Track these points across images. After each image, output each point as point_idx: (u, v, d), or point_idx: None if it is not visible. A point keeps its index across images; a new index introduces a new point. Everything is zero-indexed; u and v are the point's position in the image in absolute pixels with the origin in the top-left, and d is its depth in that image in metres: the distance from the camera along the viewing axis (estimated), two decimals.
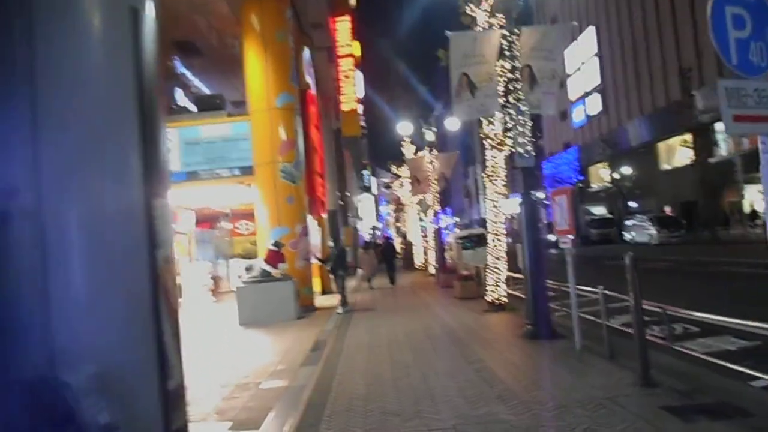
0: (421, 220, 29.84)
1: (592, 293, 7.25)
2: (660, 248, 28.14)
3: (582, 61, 55.15)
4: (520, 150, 7.98)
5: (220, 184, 12.92)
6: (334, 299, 14.77)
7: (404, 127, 19.74)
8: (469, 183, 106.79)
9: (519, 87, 8.34)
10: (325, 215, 18.12)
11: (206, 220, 21.82)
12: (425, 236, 29.96)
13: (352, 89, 26.37)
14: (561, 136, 63.79)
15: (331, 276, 13.99)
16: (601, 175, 53.27)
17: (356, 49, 42.71)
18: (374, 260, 20.66)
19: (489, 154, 10.97)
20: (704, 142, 31.72)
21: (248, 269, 12.38)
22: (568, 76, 59.03)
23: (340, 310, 12.16)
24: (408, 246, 33.23)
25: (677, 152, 39.91)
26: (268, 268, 11.52)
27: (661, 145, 41.01)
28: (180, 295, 16.82)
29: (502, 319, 9.79)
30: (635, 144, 42.16)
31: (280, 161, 12.60)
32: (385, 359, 7.00)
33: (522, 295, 11.45)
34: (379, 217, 75.75)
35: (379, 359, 7.03)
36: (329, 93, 26.35)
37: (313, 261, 13.67)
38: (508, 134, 8.03)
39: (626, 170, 40.82)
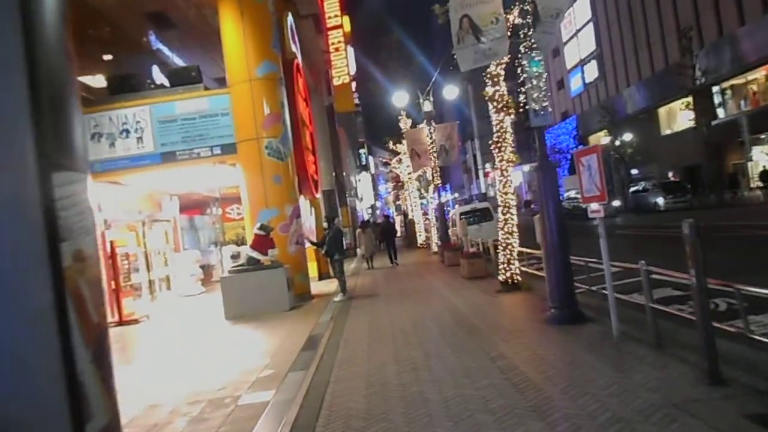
0: (422, 196, 28.74)
1: (624, 269, 6.22)
2: (667, 214, 27.11)
3: (577, 28, 53.66)
4: (535, 106, 6.85)
5: (200, 164, 11.77)
6: (332, 285, 13.75)
7: (400, 98, 18.50)
8: (468, 158, 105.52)
9: (530, 33, 7.19)
10: (319, 195, 16.93)
11: (195, 206, 20.73)
12: (426, 213, 28.92)
13: (344, 62, 24.97)
14: (559, 106, 62.46)
15: (329, 260, 12.96)
16: (602, 143, 52.14)
17: (347, 23, 41.21)
18: (373, 240, 20.12)
19: (495, 118, 9.85)
20: (706, 105, 30.36)
21: (234, 257, 11.33)
22: (565, 44, 57.68)
23: (338, 297, 11.14)
24: (409, 224, 32.14)
25: (678, 116, 38.79)
26: (255, 255, 10.45)
27: (662, 110, 39.89)
28: (168, 287, 15.82)
29: (519, 301, 8.76)
30: (635, 110, 41.00)
31: (264, 137, 11.46)
32: (389, 358, 5.97)
33: (538, 273, 10.48)
34: (378, 196, 74.64)
35: (381, 358, 6.01)
36: (319, 66, 25.04)
37: (307, 245, 12.59)
38: (521, 88, 6.90)
39: (627, 137, 39.64)
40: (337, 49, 25.11)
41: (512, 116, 9.94)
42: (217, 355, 7.44)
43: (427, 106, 17.45)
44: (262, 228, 10.52)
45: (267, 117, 11.52)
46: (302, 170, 13.15)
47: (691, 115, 36.29)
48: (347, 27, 41.61)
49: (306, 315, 9.76)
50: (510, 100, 9.82)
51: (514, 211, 9.86)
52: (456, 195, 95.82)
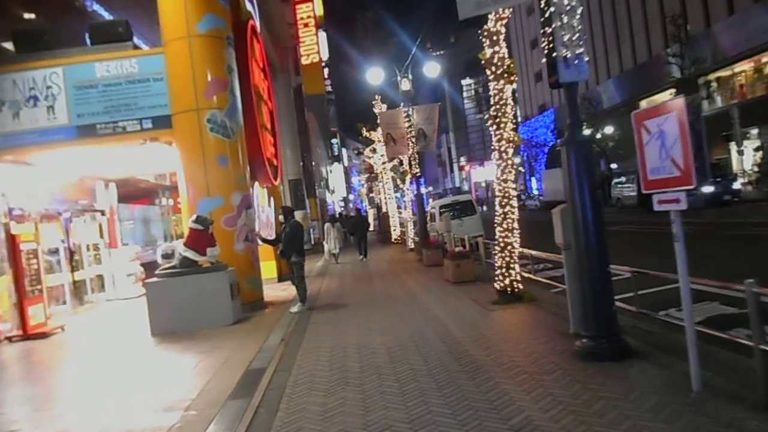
0: (397, 188, 26.77)
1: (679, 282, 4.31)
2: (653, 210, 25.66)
3: None
4: (565, 53, 4.85)
5: (126, 142, 9.51)
6: (292, 288, 11.69)
7: (375, 75, 16.39)
8: (443, 152, 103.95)
9: None
10: (281, 183, 14.72)
11: (142, 196, 18.31)
12: (400, 207, 26.95)
13: (314, 39, 22.78)
14: (536, 99, 61.18)
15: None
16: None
17: (319, 7, 38.79)
18: (342, 234, 19.73)
19: (493, 86, 7.88)
20: (692, 97, 28.86)
21: (167, 256, 9.13)
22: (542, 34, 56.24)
23: (294, 307, 9.03)
24: (383, 218, 30.07)
25: None
26: (190, 254, 8.27)
27: (643, 103, 38.66)
28: (102, 289, 13.49)
29: (525, 318, 6.81)
30: (616, 102, 39.70)
31: (206, 108, 9.25)
32: (356, 414, 3.95)
33: (543, 280, 8.57)
34: (350, 188, 72.46)
35: (343, 415, 3.98)
36: (285, 42, 22.77)
37: (259, 242, 10.48)
38: (547, 28, 4.91)
39: (608, 130, 38.37)
40: (306, 25, 22.91)
41: (514, 84, 8.00)
42: (116, 394, 5.30)
43: (405, 85, 15.40)
44: (198, 221, 8.33)
45: (210, 83, 9.32)
46: (257, 152, 10.97)
47: None
48: (319, 11, 39.42)
49: (251, 333, 7.64)
50: (512, 65, 7.87)
51: (515, 203, 7.92)
52: (430, 189, 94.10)
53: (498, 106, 7.86)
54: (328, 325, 7.57)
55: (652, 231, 16.17)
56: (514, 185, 8.00)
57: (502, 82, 7.79)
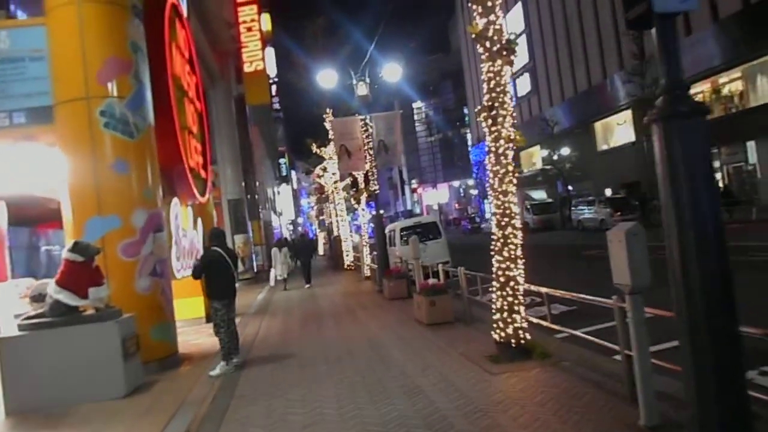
0: (353, 210, 24.61)
1: None
2: None
3: None
4: None
5: None
6: None
7: (327, 78, 14.22)
8: (393, 174, 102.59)
9: None
10: (209, 201, 12.20)
11: (50, 218, 15.39)
12: (352, 231, 24.76)
13: (258, 45, 20.53)
14: None
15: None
16: (534, 159, 50.32)
17: (267, 22, 36.59)
18: (288, 260, 18.47)
19: (486, 67, 5.93)
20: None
21: (36, 299, 6.62)
22: None
23: (215, 370, 6.57)
24: (335, 242, 27.69)
25: (615, 131, 37.33)
26: (65, 297, 5.77)
27: (598, 125, 38.34)
28: None
29: (548, 389, 4.69)
30: (564, 127, 39.08)
31: (100, 96, 6.86)
32: None
33: (554, 326, 6.49)
34: (300, 211, 69.70)
35: None
36: (225, 46, 20.45)
37: (181, 275, 8.09)
38: None
39: (564, 151, 37.64)
40: (249, 29, 20.66)
41: (512, 65, 6.05)
42: None
43: (362, 89, 13.35)
44: (77, 249, 5.85)
45: (106, 64, 6.94)
46: (176, 160, 8.58)
47: (629, 130, 34.77)
48: (267, 26, 37.29)
49: (144, 417, 5.20)
50: (512, 41, 5.94)
51: (518, 223, 5.90)
52: (382, 212, 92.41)
53: (494, 94, 5.87)
54: (260, 404, 5.22)
55: None
56: (515, 200, 5.99)
57: (499, 62, 5.83)
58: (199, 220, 10.66)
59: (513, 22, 50.40)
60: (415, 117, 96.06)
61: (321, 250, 42.86)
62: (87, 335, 5.85)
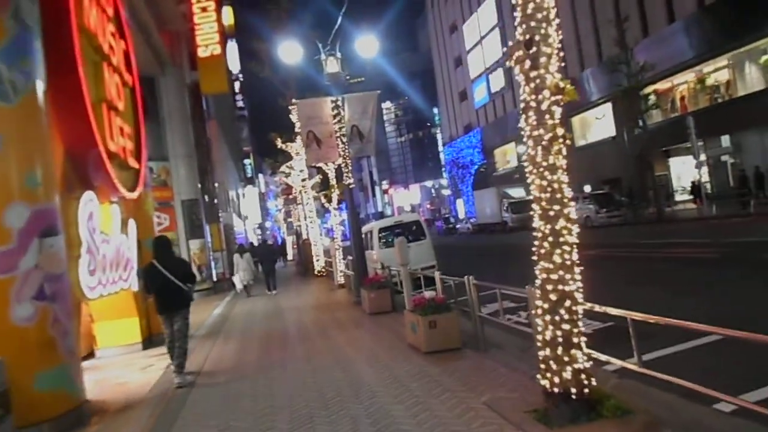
0: (324, 212, 22.49)
1: None
2: (602, 231, 23.06)
3: (481, 35, 50.62)
4: None
5: None
6: (162, 360, 7.25)
7: (290, 51, 12.03)
8: (364, 175, 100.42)
9: None
10: (138, 194, 9.79)
11: None
12: (326, 233, 22.67)
13: (214, 27, 18.26)
14: (461, 119, 59.20)
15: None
16: (508, 157, 48.96)
17: (230, 16, 34.18)
18: (251, 266, 17.19)
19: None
20: (633, 110, 26.34)
21: None
22: (468, 52, 54.59)
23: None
24: (304, 246, 25.43)
25: (593, 126, 36.15)
26: None
27: (575, 119, 36.97)
28: None
29: None
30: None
31: None
32: None
33: (647, 372, 4.43)
34: (267, 214, 66.98)
35: None
36: (175, 25, 18.15)
37: (97, 294, 5.98)
38: None
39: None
40: (204, 9, 18.39)
41: None
42: None
43: (333, 66, 11.29)
44: None
45: None
46: (86, 141, 6.38)
47: (608, 124, 33.50)
48: (230, 20, 34.83)
49: None
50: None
51: (572, 213, 3.97)
52: (357, 210, 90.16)
53: (534, 23, 3.95)
54: None
55: (631, 255, 12.94)
56: (566, 178, 4.07)
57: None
58: (132, 223, 8.45)
59: (486, 16, 49.18)
60: (385, 117, 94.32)
61: (290, 255, 40.52)
62: None
